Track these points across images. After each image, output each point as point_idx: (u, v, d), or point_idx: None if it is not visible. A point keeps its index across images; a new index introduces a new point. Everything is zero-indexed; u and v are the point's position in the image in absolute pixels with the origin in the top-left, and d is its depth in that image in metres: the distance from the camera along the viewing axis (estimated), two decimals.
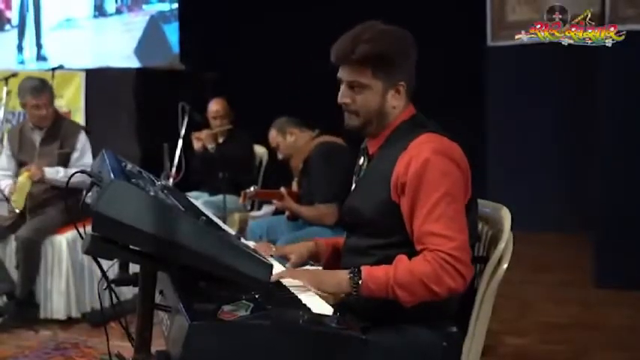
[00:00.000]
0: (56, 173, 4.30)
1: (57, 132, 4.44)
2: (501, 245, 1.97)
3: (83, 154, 4.45)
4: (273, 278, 1.82)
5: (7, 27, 8.14)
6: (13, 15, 8.08)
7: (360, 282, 1.88)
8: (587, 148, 5.58)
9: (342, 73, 2.06)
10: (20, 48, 8.04)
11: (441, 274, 1.83)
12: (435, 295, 1.85)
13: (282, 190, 4.08)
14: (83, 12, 7.74)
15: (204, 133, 5.27)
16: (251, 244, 2.16)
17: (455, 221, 1.87)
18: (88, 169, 1.80)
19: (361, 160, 2.18)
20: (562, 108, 6.53)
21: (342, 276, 1.91)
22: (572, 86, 6.32)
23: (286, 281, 2.11)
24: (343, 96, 2.06)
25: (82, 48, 7.67)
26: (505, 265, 1.96)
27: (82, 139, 4.47)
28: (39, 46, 7.93)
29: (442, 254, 1.83)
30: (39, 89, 4.37)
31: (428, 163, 1.89)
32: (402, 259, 1.89)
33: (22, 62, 7.98)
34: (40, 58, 7.90)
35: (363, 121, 2.07)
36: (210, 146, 5.19)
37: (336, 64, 2.06)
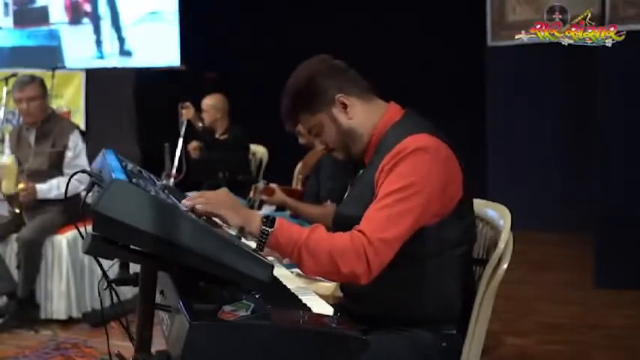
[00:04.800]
0: (48, 192, 4.30)
1: (50, 131, 4.43)
2: (501, 245, 1.96)
3: (78, 155, 4.43)
4: (185, 203, 1.76)
5: (85, 20, 7.74)
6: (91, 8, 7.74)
7: (270, 231, 1.81)
8: (587, 148, 5.58)
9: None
10: (99, 42, 7.66)
11: (351, 253, 1.77)
12: (337, 272, 1.79)
13: (274, 186, 4.05)
14: (169, 6, 7.39)
15: (193, 144, 5.33)
16: (252, 244, 2.16)
17: (397, 217, 1.82)
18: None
19: (360, 172, 2.18)
20: (562, 108, 6.53)
21: (255, 218, 1.83)
22: (572, 86, 6.32)
23: (286, 282, 2.12)
24: (317, 145, 2.17)
25: (167, 43, 7.39)
26: (505, 265, 1.95)
27: (75, 139, 4.44)
28: (120, 40, 7.58)
29: (363, 237, 1.79)
30: (24, 83, 4.37)
31: (406, 157, 1.87)
32: (319, 226, 1.86)
33: (101, 57, 7.63)
34: (124, 52, 7.58)
35: (342, 150, 2.11)
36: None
37: (291, 130, 2.15)
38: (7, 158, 4.34)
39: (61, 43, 7.65)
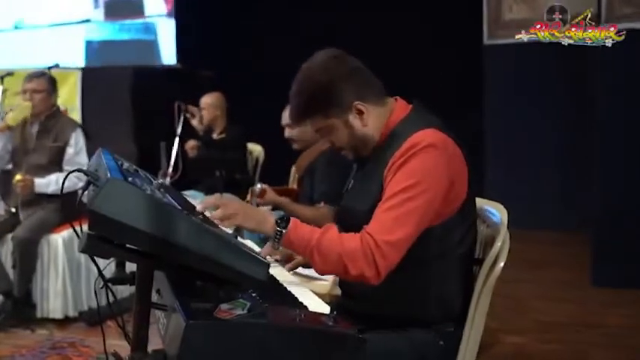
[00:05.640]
0: (46, 186, 4.29)
1: (52, 126, 4.45)
2: (498, 244, 1.96)
3: (78, 152, 4.43)
4: (199, 208, 1.83)
5: None
6: None
7: (283, 231, 1.86)
8: (585, 146, 5.58)
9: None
10: None
11: (360, 257, 1.80)
12: (347, 274, 1.82)
13: (265, 186, 4.04)
14: None
15: (190, 143, 5.33)
16: (248, 242, 2.15)
17: (405, 217, 1.83)
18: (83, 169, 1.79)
19: (366, 167, 2.17)
20: (560, 106, 6.53)
21: (269, 219, 1.90)
22: (570, 85, 6.32)
23: (283, 279, 2.12)
24: (324, 142, 2.16)
25: None
26: (502, 264, 1.94)
27: (78, 136, 4.45)
28: None
29: (371, 240, 1.80)
30: (33, 76, 4.45)
31: (415, 154, 1.87)
32: (332, 227, 1.89)
33: None
34: None
35: (351, 150, 2.09)
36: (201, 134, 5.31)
37: (295, 125, 2.15)
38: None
39: (157, 37, 7.32)
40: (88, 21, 7.45)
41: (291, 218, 1.89)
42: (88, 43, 7.46)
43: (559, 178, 6.56)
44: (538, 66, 6.35)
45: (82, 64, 7.25)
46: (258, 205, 4.24)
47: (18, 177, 4.23)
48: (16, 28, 7.59)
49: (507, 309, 4.24)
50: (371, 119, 2.02)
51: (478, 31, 6.78)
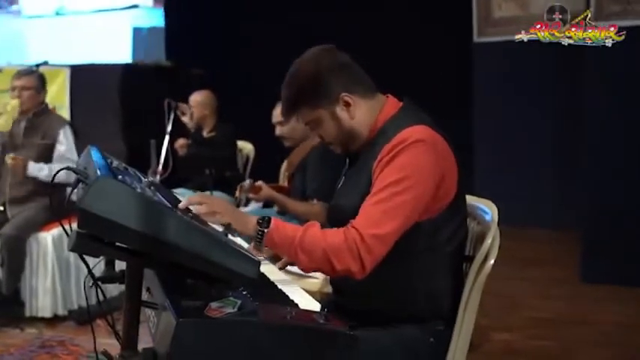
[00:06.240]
0: (39, 170, 4.27)
1: (40, 124, 4.44)
2: (488, 241, 1.96)
3: (68, 149, 4.42)
4: (182, 205, 1.81)
5: None
6: None
7: (265, 231, 1.85)
8: (577, 145, 5.59)
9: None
10: None
11: (345, 251, 1.79)
12: (332, 269, 1.81)
13: (260, 182, 4.04)
14: None
15: (180, 142, 5.32)
16: (238, 240, 2.15)
17: (393, 211, 1.82)
18: (73, 165, 1.78)
19: (355, 163, 2.17)
20: (550, 104, 6.54)
21: (252, 220, 1.89)
22: (560, 82, 6.33)
23: (273, 277, 2.12)
24: (314, 135, 2.13)
25: None
26: (492, 261, 1.94)
27: (67, 134, 4.44)
28: None
29: (357, 234, 1.80)
30: (22, 73, 4.47)
31: (404, 150, 1.87)
32: (314, 224, 1.88)
33: None
34: None
35: (340, 145, 2.10)
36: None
37: (286, 119, 2.16)
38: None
39: None
40: (135, 7, 7.27)
41: (273, 218, 1.88)
42: (136, 30, 7.28)
43: (553, 175, 6.57)
44: (528, 63, 6.35)
45: (128, 52, 7.09)
46: (249, 200, 4.23)
47: (11, 155, 4.22)
48: (57, 14, 7.42)
49: (498, 306, 4.24)
50: (359, 113, 2.03)
51: (468, 28, 6.78)
